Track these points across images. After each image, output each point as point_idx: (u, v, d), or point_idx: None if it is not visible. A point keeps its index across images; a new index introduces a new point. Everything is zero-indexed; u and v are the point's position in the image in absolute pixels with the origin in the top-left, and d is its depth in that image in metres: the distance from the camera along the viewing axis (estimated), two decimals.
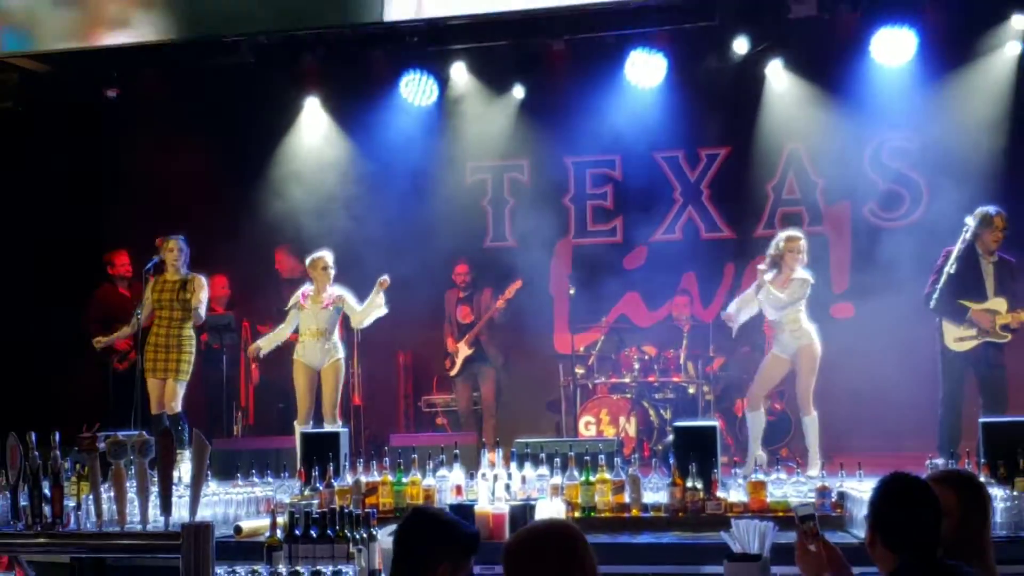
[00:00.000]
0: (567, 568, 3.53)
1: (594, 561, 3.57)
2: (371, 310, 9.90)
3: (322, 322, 9.97)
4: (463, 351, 11.33)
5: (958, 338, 9.02)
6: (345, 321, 10.19)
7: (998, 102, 10.78)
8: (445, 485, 7.89)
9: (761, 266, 9.48)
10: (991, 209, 8.97)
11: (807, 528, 4.29)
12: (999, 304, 8.90)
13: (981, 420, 8.00)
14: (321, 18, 9.84)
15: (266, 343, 10.21)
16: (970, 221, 8.98)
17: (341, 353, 10.09)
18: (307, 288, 10.07)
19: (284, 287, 11.48)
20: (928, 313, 9.12)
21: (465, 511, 7.28)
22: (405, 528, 3.92)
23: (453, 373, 11.48)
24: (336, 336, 10.07)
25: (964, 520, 4.13)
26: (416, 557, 3.79)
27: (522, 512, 7.23)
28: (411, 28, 10.47)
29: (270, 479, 8.44)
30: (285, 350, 10.78)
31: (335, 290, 9.98)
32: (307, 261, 10.15)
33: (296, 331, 10.16)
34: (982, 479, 7.19)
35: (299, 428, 9.62)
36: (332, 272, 10.00)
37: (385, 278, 9.80)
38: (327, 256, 10.07)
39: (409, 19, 9.35)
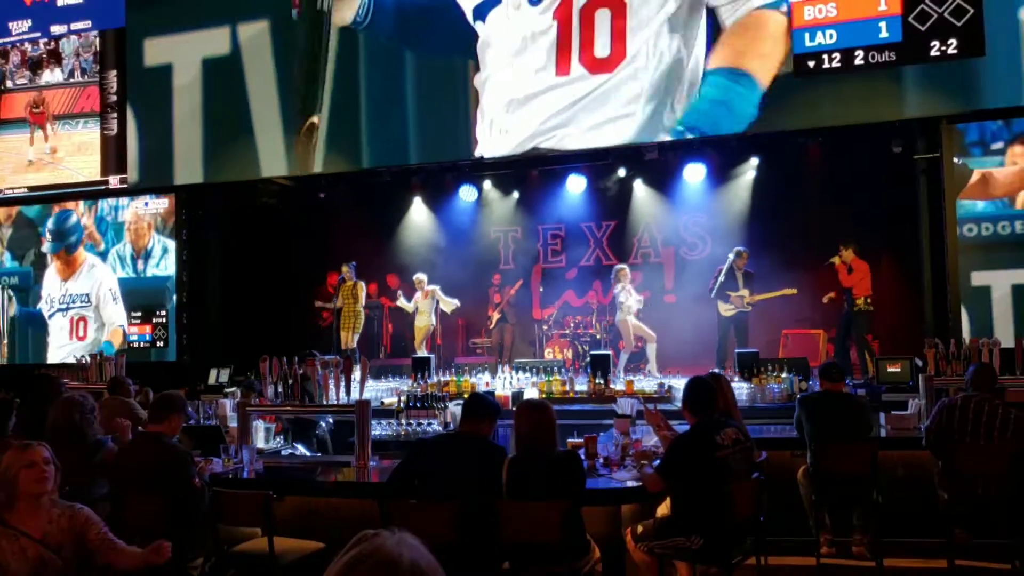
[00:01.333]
0: (543, 418, 3.50)
1: (554, 416, 3.56)
2: (450, 305, 10.09)
3: (424, 308, 10.17)
4: (495, 316, 11.22)
5: (725, 310, 9.06)
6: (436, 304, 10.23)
7: (744, 198, 10.66)
8: (480, 381, 7.94)
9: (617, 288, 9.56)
10: (740, 248, 9.18)
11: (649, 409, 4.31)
12: (745, 292, 8.95)
13: (736, 351, 8.04)
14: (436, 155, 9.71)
15: (403, 302, 10.39)
16: (731, 255, 9.06)
17: (432, 322, 10.22)
18: (416, 293, 10.23)
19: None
20: (709, 299, 9.16)
21: (491, 393, 7.29)
22: (473, 400, 3.82)
23: (490, 327, 11.36)
24: (432, 315, 10.19)
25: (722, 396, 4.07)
26: (478, 414, 3.70)
27: (518, 394, 7.25)
28: (465, 164, 10.40)
29: (397, 379, 8.52)
30: (407, 319, 10.81)
31: (431, 288, 10.14)
32: (413, 278, 10.32)
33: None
34: (736, 380, 7.22)
35: (417, 352, 9.83)
36: (421, 282, 10.25)
37: (457, 303, 10.18)
38: (420, 275, 10.37)
39: (479, 157, 9.22)
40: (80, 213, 11.11)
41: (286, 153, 9.74)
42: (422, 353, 9.76)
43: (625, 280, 9.51)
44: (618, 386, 7.66)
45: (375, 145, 9.54)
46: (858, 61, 7.77)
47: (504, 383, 7.77)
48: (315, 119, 9.58)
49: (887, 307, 9.77)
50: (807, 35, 7.95)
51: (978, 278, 7.93)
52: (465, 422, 3.71)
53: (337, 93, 9.53)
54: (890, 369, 6.89)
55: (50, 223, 11.20)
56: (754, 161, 10.52)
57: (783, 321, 10.10)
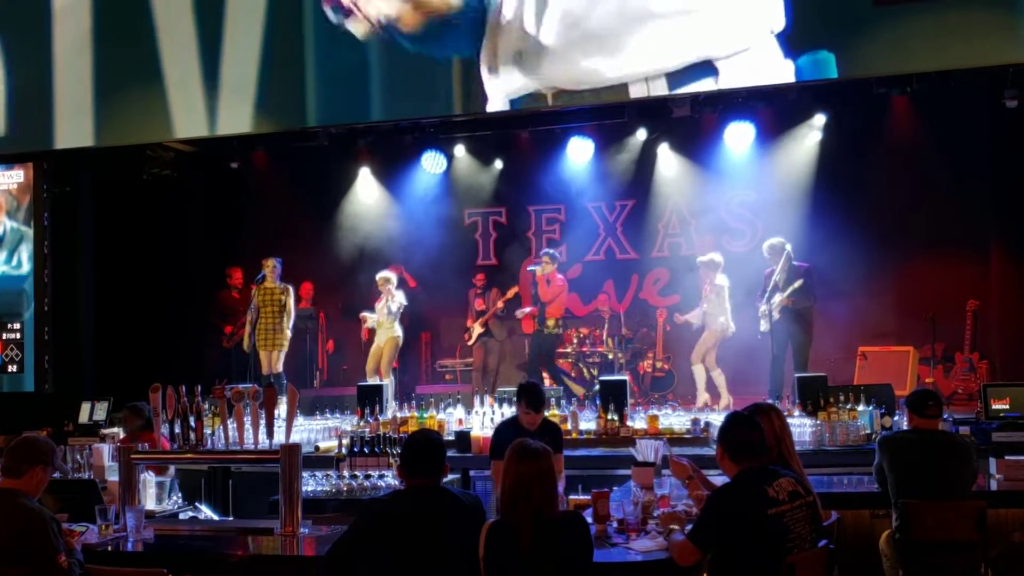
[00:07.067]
0: (540, 467, 3.51)
1: (555, 466, 3.65)
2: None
3: (386, 318, 10.14)
4: (477, 329, 11.23)
5: (764, 325, 9.08)
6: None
7: (804, 170, 10.69)
8: (451, 419, 7.91)
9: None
10: (775, 240, 9.29)
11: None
12: (778, 298, 8.92)
13: (796, 375, 8.04)
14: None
15: (370, 319, 10.41)
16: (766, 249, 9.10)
17: (397, 333, 10.19)
18: (380, 299, 10.24)
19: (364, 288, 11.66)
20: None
21: (464, 435, 7.29)
22: (416, 446, 3.81)
23: (470, 343, 11.36)
24: (396, 324, 10.19)
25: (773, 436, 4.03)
26: (432, 464, 3.73)
27: None
28: (429, 122, 10.38)
29: (337, 415, 8.48)
30: (353, 334, 10.90)
31: (398, 295, 10.17)
32: (377, 277, 10.33)
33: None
34: (796, 413, 7.24)
35: (369, 379, 9.76)
36: (390, 285, 10.18)
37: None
38: (387, 274, 10.29)
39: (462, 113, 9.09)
40: None
41: (207, 107, 9.53)
42: (373, 381, 9.72)
43: (715, 272, 9.55)
44: (638, 423, 7.65)
45: (324, 96, 9.34)
46: None
47: (483, 420, 7.74)
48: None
49: (997, 316, 9.84)
50: None
51: None
52: (413, 478, 3.70)
53: (272, 26, 9.31)
54: (996, 404, 6.84)
55: None
56: (820, 119, 10.56)
57: (859, 335, 10.14)
